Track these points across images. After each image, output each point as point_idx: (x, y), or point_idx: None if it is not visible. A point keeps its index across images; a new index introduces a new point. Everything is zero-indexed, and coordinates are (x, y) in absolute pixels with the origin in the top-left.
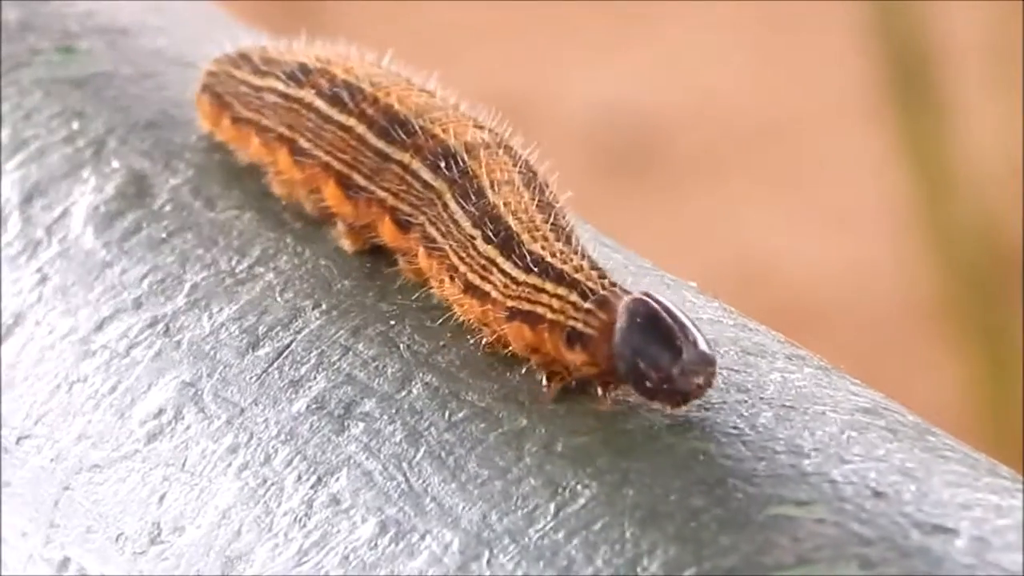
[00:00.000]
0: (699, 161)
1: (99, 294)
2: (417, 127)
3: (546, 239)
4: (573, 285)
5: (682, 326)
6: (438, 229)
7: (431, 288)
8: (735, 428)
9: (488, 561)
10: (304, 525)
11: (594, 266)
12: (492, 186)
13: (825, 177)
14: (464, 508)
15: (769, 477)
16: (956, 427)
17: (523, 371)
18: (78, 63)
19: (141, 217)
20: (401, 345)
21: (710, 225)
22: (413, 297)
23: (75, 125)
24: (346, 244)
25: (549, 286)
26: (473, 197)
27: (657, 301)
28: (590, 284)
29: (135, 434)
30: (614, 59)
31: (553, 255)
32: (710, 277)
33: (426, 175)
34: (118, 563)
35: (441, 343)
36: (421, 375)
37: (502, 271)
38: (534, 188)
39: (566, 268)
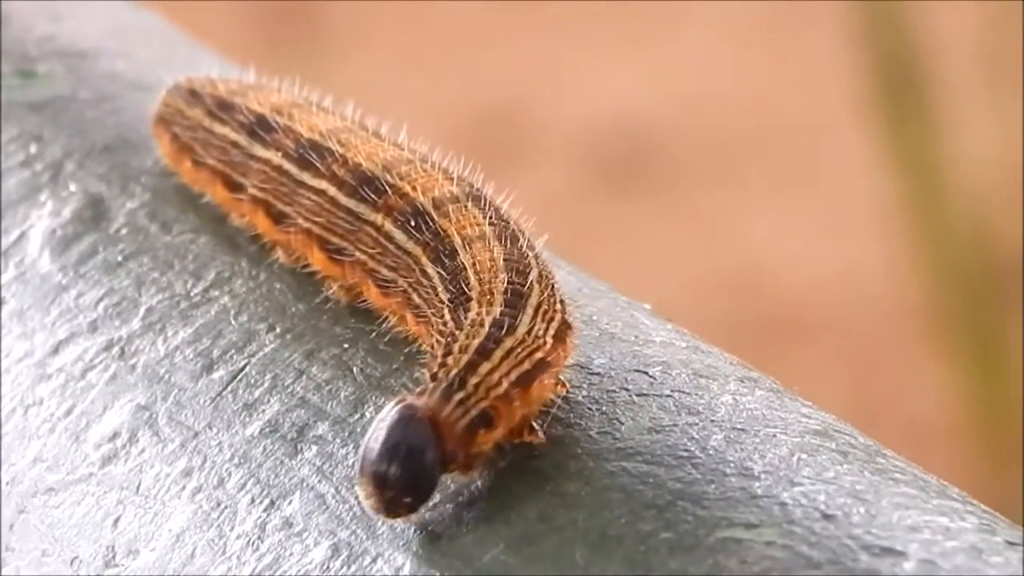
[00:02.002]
0: (695, 168)
1: (55, 317)
2: (386, 185)
3: (491, 304)
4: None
5: (374, 444)
6: (420, 295)
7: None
8: (686, 451)
9: None
10: (257, 548)
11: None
12: (464, 244)
13: (819, 183)
14: (415, 531)
15: (719, 500)
16: (949, 432)
17: None
18: (37, 87)
19: (97, 241)
20: (355, 368)
21: (704, 232)
22: (367, 321)
23: (33, 149)
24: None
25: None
26: (445, 260)
27: (392, 415)
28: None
29: (90, 457)
30: (611, 67)
31: (481, 323)
32: (704, 283)
33: (399, 237)
34: None
35: (394, 366)
36: (374, 398)
37: (457, 341)
38: (505, 239)
39: (470, 349)
